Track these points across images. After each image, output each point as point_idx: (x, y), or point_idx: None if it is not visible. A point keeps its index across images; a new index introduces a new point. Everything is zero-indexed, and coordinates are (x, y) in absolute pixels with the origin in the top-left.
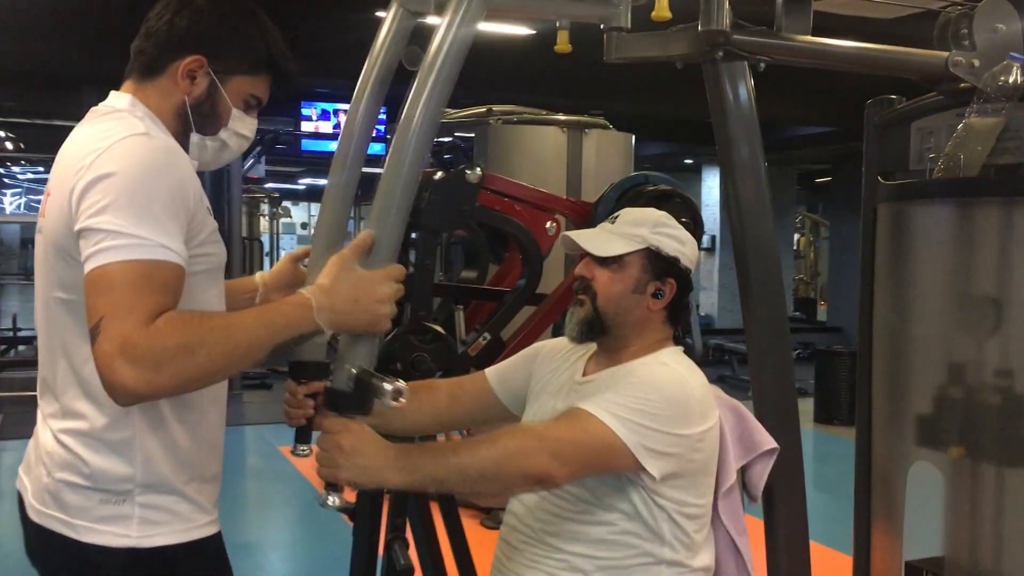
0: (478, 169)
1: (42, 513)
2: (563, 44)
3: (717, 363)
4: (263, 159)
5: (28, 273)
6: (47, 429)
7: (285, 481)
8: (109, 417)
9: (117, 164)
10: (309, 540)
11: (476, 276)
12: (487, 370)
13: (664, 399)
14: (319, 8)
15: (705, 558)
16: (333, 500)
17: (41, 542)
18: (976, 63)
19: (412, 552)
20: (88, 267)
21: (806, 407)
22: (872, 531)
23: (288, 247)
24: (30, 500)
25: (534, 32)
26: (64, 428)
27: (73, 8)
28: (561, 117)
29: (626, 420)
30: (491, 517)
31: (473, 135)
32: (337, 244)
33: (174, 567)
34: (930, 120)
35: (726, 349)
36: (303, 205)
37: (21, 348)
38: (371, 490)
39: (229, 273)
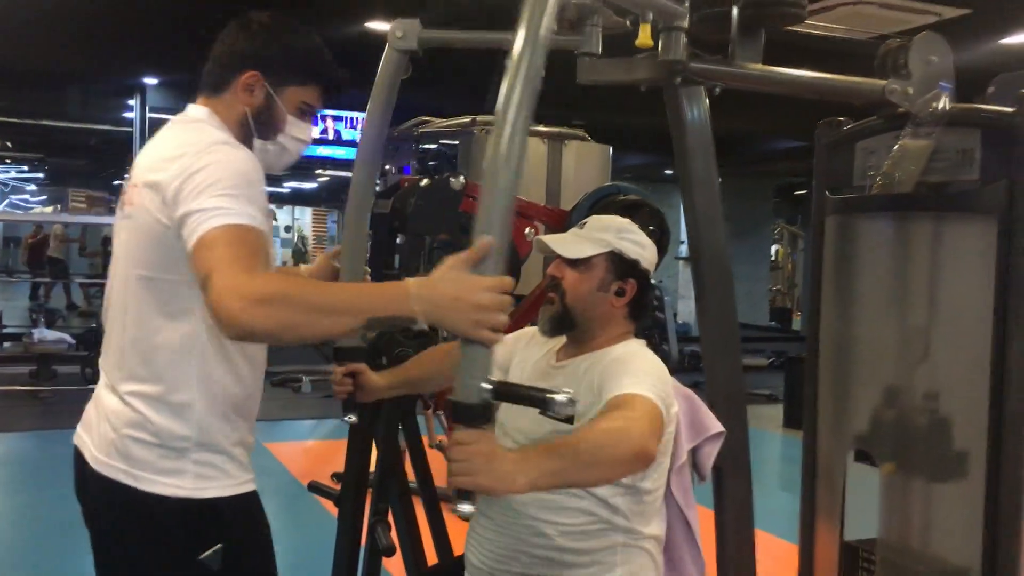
0: (461, 177)
1: (106, 464)
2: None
3: (692, 370)
4: None
5: (11, 271)
6: (111, 393)
7: (269, 475)
8: (171, 383)
9: (207, 161)
10: (292, 530)
11: None
12: None
13: (662, 379)
14: (311, 19)
15: (655, 528)
16: (466, 508)
17: (102, 489)
18: (910, 91)
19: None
20: (193, 238)
21: (776, 413)
22: (816, 515)
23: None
24: (93, 452)
25: None
26: (132, 391)
27: (56, 7)
28: (542, 128)
29: (660, 398)
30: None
31: (458, 143)
32: (362, 248)
33: (220, 517)
34: (872, 140)
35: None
36: (287, 208)
37: (6, 345)
38: (356, 477)
39: None
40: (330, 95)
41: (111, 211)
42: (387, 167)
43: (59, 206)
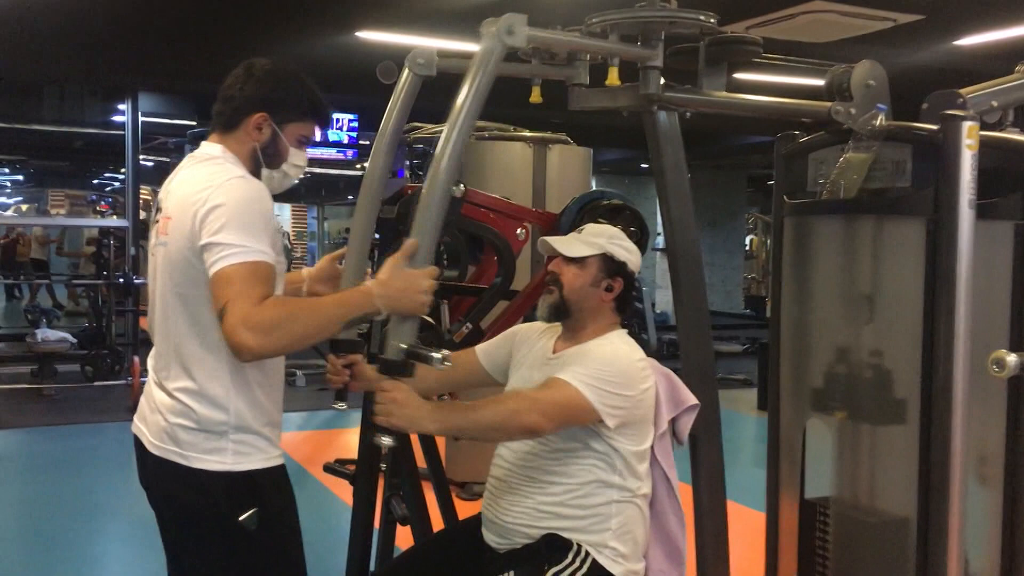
0: (462, 186)
1: (162, 448)
2: (536, 97)
3: (671, 357)
4: None
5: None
6: (160, 389)
7: None
8: (208, 380)
9: (227, 196)
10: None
11: (458, 275)
12: (476, 348)
13: (616, 370)
14: (305, 28)
15: (644, 486)
16: (385, 440)
17: (160, 469)
18: (853, 111)
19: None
20: (213, 270)
21: (751, 396)
22: (779, 477)
23: None
24: (150, 439)
25: None
26: (178, 387)
27: (34, 14)
28: (527, 133)
29: (591, 386)
30: (465, 490)
31: None
32: (365, 250)
33: (256, 486)
34: (822, 152)
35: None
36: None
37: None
38: (385, 443)
39: None
40: (321, 127)
41: (95, 212)
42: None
43: (36, 206)
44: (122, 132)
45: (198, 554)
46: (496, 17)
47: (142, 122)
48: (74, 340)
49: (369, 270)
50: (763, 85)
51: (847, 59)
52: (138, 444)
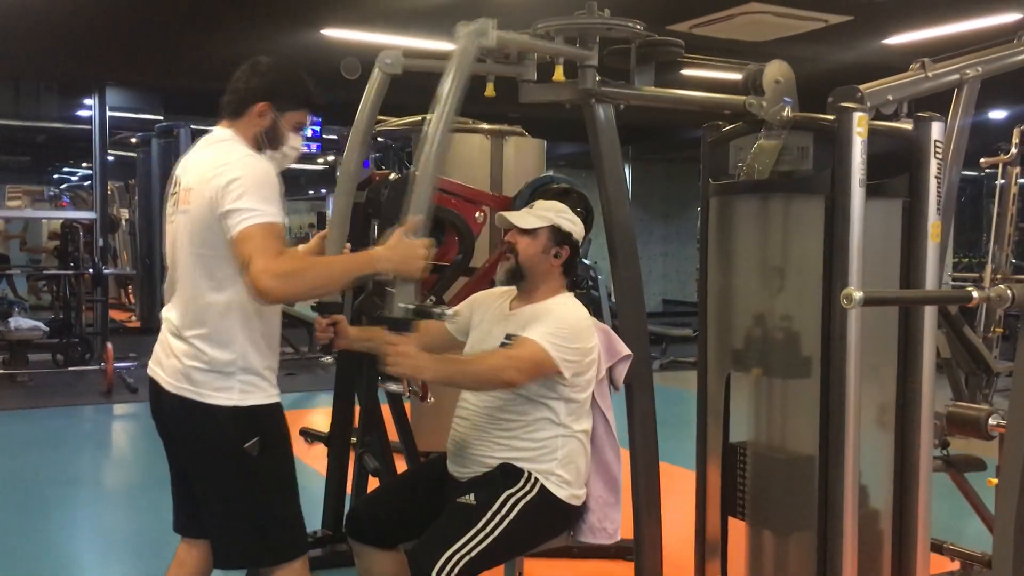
0: None
1: (177, 386)
2: (490, 91)
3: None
4: None
5: None
6: (176, 338)
7: None
8: (221, 328)
9: (243, 170)
10: None
11: None
12: None
13: (571, 328)
14: (271, 25)
15: (584, 424)
16: (392, 387)
17: (176, 405)
18: (764, 104)
19: None
20: (237, 230)
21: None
22: (707, 423)
23: None
24: (167, 379)
25: None
26: (194, 334)
27: (4, 8)
28: (485, 126)
29: (552, 343)
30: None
31: (410, 139)
32: (346, 227)
33: (259, 418)
34: (741, 140)
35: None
36: None
37: None
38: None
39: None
40: (313, 115)
41: (58, 207)
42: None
43: None
44: (87, 127)
45: (208, 477)
46: (456, 17)
47: (108, 117)
48: (47, 328)
49: (348, 245)
50: (706, 81)
51: (784, 57)
52: (153, 384)
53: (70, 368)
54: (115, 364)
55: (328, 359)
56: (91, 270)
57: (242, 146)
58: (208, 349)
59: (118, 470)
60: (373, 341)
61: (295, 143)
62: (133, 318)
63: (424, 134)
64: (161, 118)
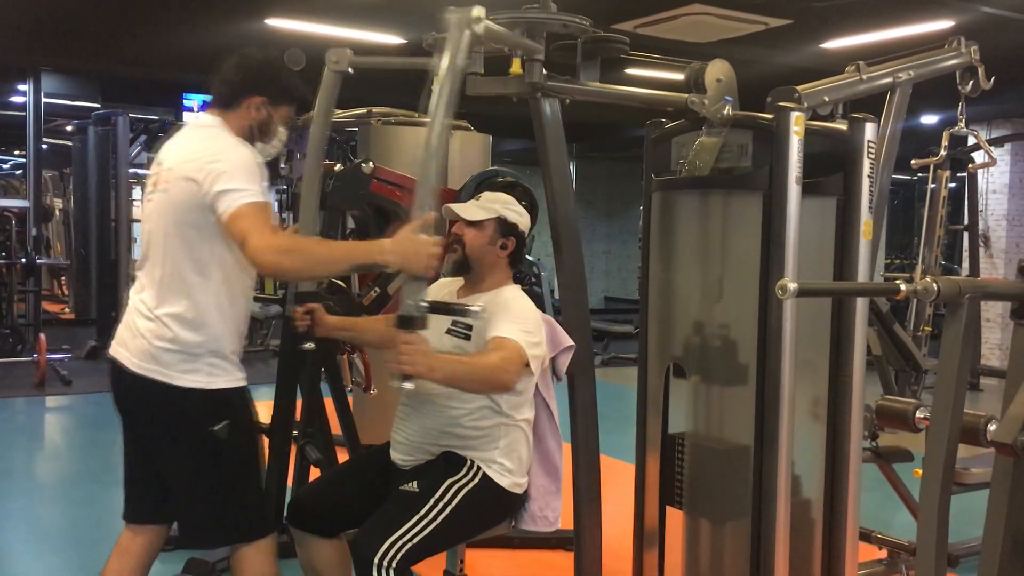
0: (371, 163)
1: (144, 367)
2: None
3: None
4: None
5: None
6: (144, 317)
7: None
8: (194, 308)
9: (229, 154)
10: None
11: None
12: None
13: (533, 322)
14: (214, 13)
15: (527, 413)
16: (408, 385)
17: (141, 386)
18: (706, 102)
19: None
20: (231, 209)
21: None
22: (647, 415)
23: None
24: (132, 359)
25: (405, 41)
26: (164, 313)
27: None
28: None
29: (526, 341)
30: None
31: (356, 131)
32: (313, 222)
33: (227, 401)
34: (683, 137)
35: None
36: None
37: None
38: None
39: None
40: (299, 109)
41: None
42: (297, 154)
43: None
44: (21, 113)
45: (175, 458)
46: (399, 11)
47: (44, 104)
48: None
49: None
50: (650, 81)
51: (726, 58)
52: (115, 365)
53: (1, 360)
54: (48, 356)
55: (310, 345)
56: (23, 260)
57: (228, 134)
58: (178, 329)
59: (52, 463)
60: (354, 331)
61: (283, 136)
62: (67, 310)
63: (429, 119)
64: (98, 106)
